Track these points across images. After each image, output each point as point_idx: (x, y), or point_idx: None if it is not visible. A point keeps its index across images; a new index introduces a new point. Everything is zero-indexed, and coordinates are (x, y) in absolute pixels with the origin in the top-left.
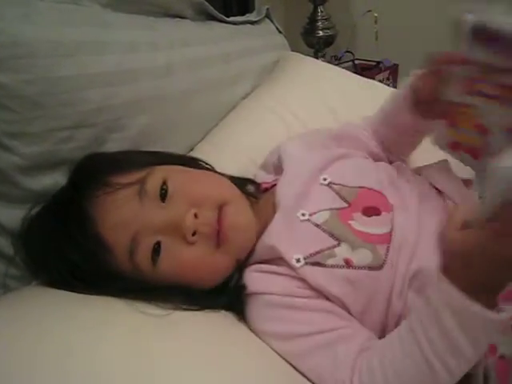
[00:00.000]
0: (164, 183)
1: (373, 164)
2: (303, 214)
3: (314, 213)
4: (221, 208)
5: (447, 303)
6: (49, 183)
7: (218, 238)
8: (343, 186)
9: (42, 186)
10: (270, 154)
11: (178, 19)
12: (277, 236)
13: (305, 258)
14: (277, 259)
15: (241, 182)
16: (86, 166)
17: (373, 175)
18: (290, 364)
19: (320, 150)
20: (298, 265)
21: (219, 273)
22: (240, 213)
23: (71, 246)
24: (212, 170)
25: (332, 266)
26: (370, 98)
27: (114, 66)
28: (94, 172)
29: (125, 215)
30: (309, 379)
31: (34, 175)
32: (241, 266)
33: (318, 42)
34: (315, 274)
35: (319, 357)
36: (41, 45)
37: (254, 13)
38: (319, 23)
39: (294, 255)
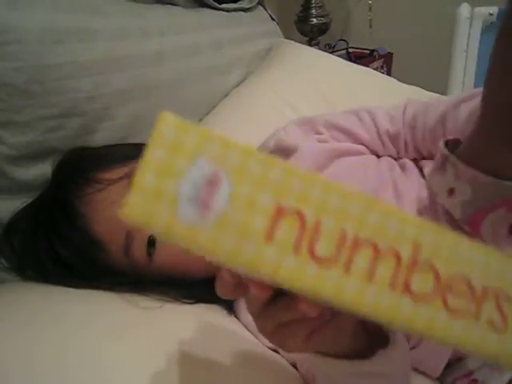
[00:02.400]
0: None
1: (375, 161)
2: None
3: None
4: None
5: None
6: (37, 173)
7: None
8: None
9: (30, 176)
10: (267, 139)
11: (169, 6)
12: None
13: None
14: None
15: None
16: (71, 163)
17: (374, 175)
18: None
19: (319, 146)
20: None
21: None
22: None
23: (64, 246)
24: None
25: None
26: (364, 86)
27: (104, 53)
28: (81, 169)
29: (116, 211)
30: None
31: (22, 165)
32: None
33: (311, 30)
34: None
35: None
36: (30, 31)
37: (247, 0)
38: (313, 11)
39: None
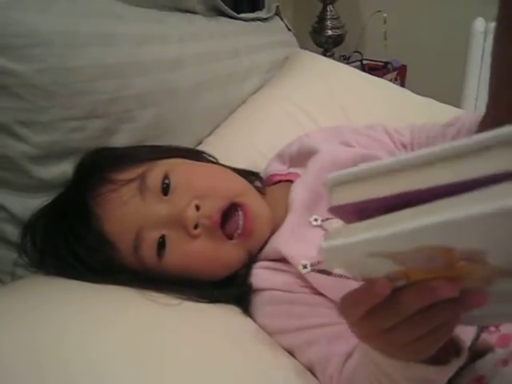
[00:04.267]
0: (166, 177)
1: None
2: (315, 220)
3: (328, 219)
4: (234, 200)
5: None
6: (58, 172)
7: (229, 230)
8: None
9: (51, 175)
10: (288, 144)
11: (189, 14)
12: (285, 240)
13: (311, 265)
14: (284, 259)
15: (245, 174)
16: (89, 163)
17: None
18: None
19: (342, 149)
20: (304, 271)
21: (230, 265)
22: (257, 204)
23: (78, 244)
24: (216, 162)
25: (339, 276)
26: (380, 97)
27: (126, 57)
28: (97, 169)
29: (127, 211)
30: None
31: (44, 164)
32: (251, 260)
33: (326, 42)
34: (320, 282)
35: (316, 349)
36: (56, 35)
37: (264, 10)
38: (328, 22)
39: (301, 261)
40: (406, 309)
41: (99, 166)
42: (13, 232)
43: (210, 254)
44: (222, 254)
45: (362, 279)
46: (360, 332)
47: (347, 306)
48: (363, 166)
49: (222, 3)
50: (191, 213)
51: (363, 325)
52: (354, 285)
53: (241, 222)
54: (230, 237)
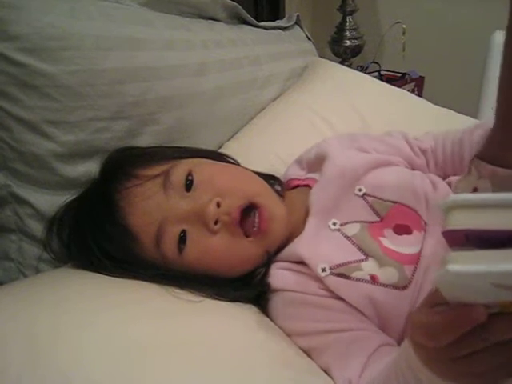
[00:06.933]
0: (189, 174)
1: (410, 175)
2: (334, 224)
3: (346, 223)
4: (252, 200)
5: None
6: (83, 171)
7: (251, 228)
8: (377, 198)
9: (76, 174)
10: (307, 150)
11: (212, 21)
12: (305, 244)
13: (330, 268)
14: (304, 262)
15: (265, 178)
16: (116, 160)
17: (409, 189)
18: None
19: (359, 154)
20: (323, 274)
21: (247, 262)
22: (274, 204)
23: (102, 235)
24: (237, 164)
25: (357, 280)
26: (399, 106)
27: (153, 62)
28: (123, 165)
29: (150, 206)
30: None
31: (70, 163)
32: (269, 260)
33: (344, 52)
34: (338, 285)
35: (334, 353)
36: (86, 38)
37: (285, 19)
38: (347, 33)
39: (320, 264)
40: (496, 336)
41: (125, 163)
42: (37, 227)
43: (227, 249)
44: (239, 251)
45: (457, 303)
46: (430, 356)
47: (430, 332)
48: (487, 195)
49: (244, 11)
50: (212, 209)
51: (440, 350)
52: (374, 289)
53: (257, 220)
54: (248, 234)
